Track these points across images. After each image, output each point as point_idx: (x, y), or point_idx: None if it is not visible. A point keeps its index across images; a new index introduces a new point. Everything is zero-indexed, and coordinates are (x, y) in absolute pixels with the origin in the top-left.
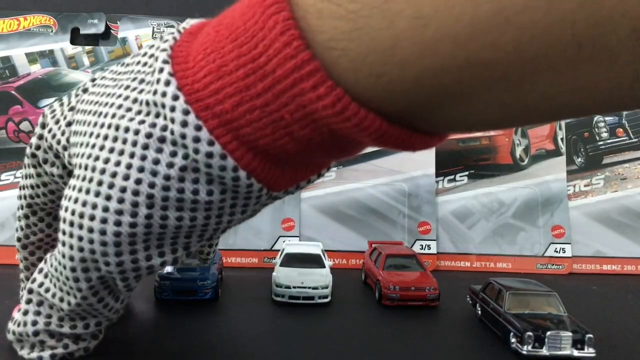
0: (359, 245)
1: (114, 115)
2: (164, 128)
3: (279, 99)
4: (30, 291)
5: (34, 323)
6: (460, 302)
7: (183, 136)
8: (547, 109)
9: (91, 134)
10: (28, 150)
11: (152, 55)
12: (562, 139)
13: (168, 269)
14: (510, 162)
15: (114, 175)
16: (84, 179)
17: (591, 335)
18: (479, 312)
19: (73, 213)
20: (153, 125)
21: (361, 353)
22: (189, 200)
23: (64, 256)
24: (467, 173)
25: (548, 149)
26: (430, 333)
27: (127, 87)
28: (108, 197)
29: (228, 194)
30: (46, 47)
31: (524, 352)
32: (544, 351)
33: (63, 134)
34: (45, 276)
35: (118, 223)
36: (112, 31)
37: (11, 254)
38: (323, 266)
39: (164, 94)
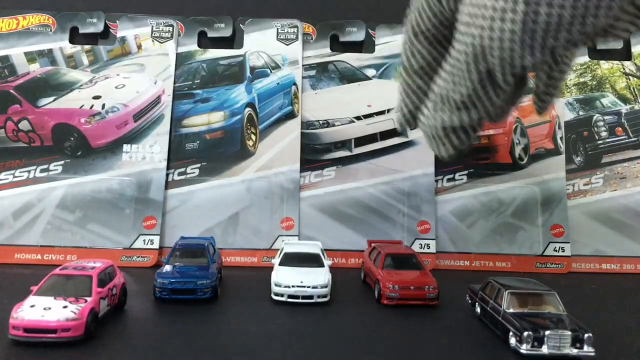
0: (358, 244)
1: None
2: None
3: None
4: (438, 94)
5: (435, 118)
6: (459, 301)
7: None
8: None
9: None
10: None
11: None
12: (561, 138)
13: (167, 268)
14: (509, 161)
15: None
16: None
17: (590, 334)
18: (478, 311)
19: (470, 15)
20: None
21: (361, 352)
22: None
23: (459, 51)
24: (466, 172)
25: (547, 148)
26: (430, 332)
27: None
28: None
29: None
30: (45, 46)
31: (523, 351)
32: (544, 350)
33: None
34: (443, 79)
35: (502, 19)
36: (111, 30)
37: (11, 254)
38: (322, 265)
39: None
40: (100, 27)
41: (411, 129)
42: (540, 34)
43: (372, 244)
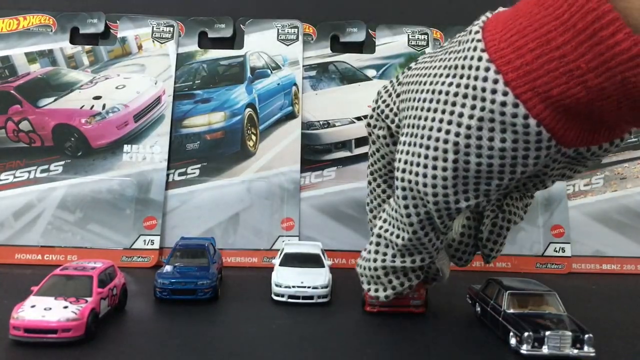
0: (358, 245)
1: (431, 83)
2: (466, 86)
3: (577, 50)
4: (378, 235)
5: (375, 260)
6: (459, 302)
7: (483, 89)
8: None
9: (415, 99)
10: (367, 121)
11: (466, 32)
12: None
13: (167, 268)
14: None
15: (430, 129)
16: (411, 135)
17: (591, 335)
18: (479, 311)
19: (405, 162)
20: (458, 84)
21: (361, 352)
22: (485, 146)
23: (398, 197)
24: None
25: None
26: (430, 332)
27: (442, 59)
28: (427, 147)
29: (519, 143)
30: (45, 47)
31: (524, 352)
32: (544, 351)
33: (394, 103)
34: (384, 221)
35: (434, 167)
36: (111, 30)
37: (11, 254)
38: (322, 266)
39: (472, 57)
40: (100, 28)
41: None
42: (472, 180)
43: None
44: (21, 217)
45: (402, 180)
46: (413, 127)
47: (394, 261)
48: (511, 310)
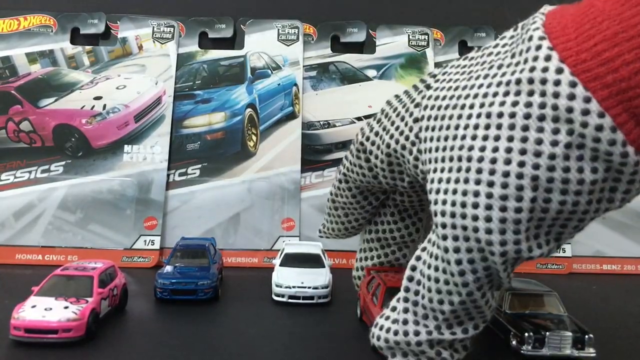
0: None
1: (482, 104)
2: (542, 105)
3: None
4: (405, 300)
5: (417, 333)
6: None
7: (569, 110)
8: None
9: (456, 126)
10: (357, 137)
11: (515, 37)
12: None
13: (168, 268)
14: None
15: (493, 161)
16: (458, 170)
17: (591, 335)
18: None
19: (453, 204)
20: (529, 104)
21: (361, 352)
22: (574, 180)
23: (446, 251)
24: None
25: None
26: None
27: (487, 75)
28: (490, 184)
29: (611, 173)
30: (46, 47)
31: (524, 352)
32: (544, 351)
33: (411, 130)
34: (418, 283)
35: (503, 209)
36: (112, 31)
37: (12, 255)
38: (323, 266)
39: (544, 69)
40: (101, 28)
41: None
42: (548, 222)
43: (371, 273)
44: (22, 217)
45: (454, 227)
46: (459, 160)
47: (441, 334)
48: (512, 311)
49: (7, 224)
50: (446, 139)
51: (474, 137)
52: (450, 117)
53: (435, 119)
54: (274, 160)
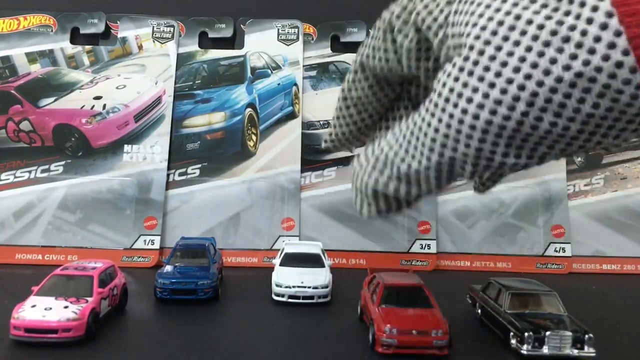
0: (359, 245)
1: (515, 4)
2: (572, 27)
3: None
4: (381, 149)
5: (376, 181)
6: (460, 302)
7: (597, 39)
8: None
9: (481, 15)
10: (386, 16)
11: None
12: None
13: (168, 268)
14: None
15: (503, 64)
16: (467, 59)
17: (591, 335)
18: (479, 311)
19: (451, 90)
20: (560, 22)
21: (361, 352)
22: (570, 107)
23: (429, 125)
24: None
25: None
26: None
27: None
28: (491, 85)
29: (613, 113)
30: (46, 47)
31: (524, 352)
32: (544, 351)
33: (442, 11)
34: (395, 138)
35: (493, 112)
36: (112, 31)
37: (12, 254)
38: (323, 265)
39: None
40: (101, 28)
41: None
42: (534, 139)
43: (373, 273)
44: (22, 217)
45: (443, 110)
46: (478, 52)
47: (387, 185)
48: (512, 311)
49: (7, 224)
50: (467, 24)
51: (494, 33)
52: (479, 4)
53: (465, 2)
54: (274, 160)
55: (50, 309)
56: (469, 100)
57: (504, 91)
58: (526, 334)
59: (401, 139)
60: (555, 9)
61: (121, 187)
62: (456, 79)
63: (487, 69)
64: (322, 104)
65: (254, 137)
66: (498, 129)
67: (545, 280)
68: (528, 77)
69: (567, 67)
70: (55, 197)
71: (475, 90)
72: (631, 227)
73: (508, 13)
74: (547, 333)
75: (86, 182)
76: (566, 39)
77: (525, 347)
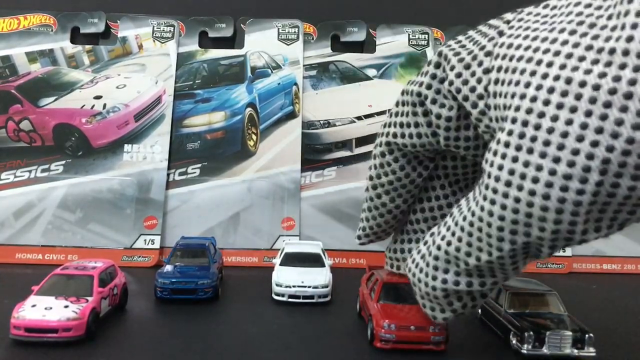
0: (359, 245)
1: (562, 66)
2: (633, 82)
3: None
4: (438, 248)
5: (434, 278)
6: None
7: None
8: None
9: (528, 85)
10: (413, 88)
11: None
12: None
13: (168, 268)
14: None
15: (564, 135)
16: (523, 136)
17: (591, 335)
18: (479, 311)
19: (511, 172)
20: (617, 78)
21: (361, 352)
22: None
23: (490, 214)
24: None
25: None
26: None
27: (573, 32)
28: (556, 160)
29: None
30: (46, 46)
31: (524, 352)
32: (544, 350)
33: (479, 81)
34: (448, 229)
35: (565, 189)
36: (112, 30)
37: (12, 254)
38: (323, 265)
39: None
40: (101, 27)
41: (360, 244)
42: (613, 207)
43: (371, 270)
44: (22, 216)
45: (506, 196)
46: (525, 125)
47: (457, 283)
48: (512, 310)
49: (7, 224)
50: (514, 96)
51: (546, 103)
52: (523, 72)
53: (506, 71)
54: (274, 160)
55: (51, 308)
56: (535, 181)
57: (571, 164)
58: (526, 333)
59: (459, 231)
60: (609, 64)
61: (121, 186)
62: (515, 160)
63: (547, 143)
64: (322, 104)
65: (254, 137)
66: (573, 206)
67: (546, 279)
68: (595, 144)
69: (636, 127)
70: (56, 197)
71: (539, 168)
72: (631, 227)
73: (557, 78)
74: (548, 333)
75: (86, 182)
76: (628, 96)
77: (525, 346)
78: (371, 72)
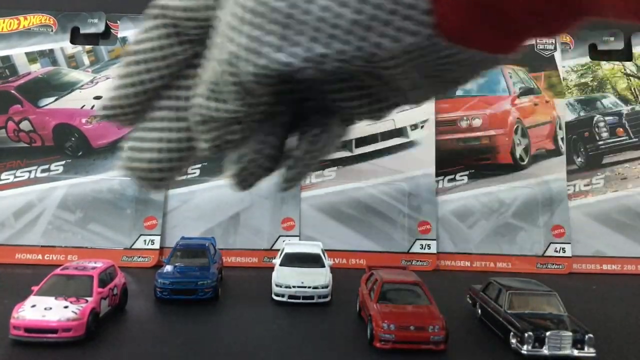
0: (359, 245)
1: None
2: None
3: None
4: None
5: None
6: (460, 302)
7: None
8: None
9: None
10: None
11: None
12: (562, 139)
13: (168, 268)
14: (510, 161)
15: None
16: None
17: (591, 335)
18: (479, 311)
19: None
20: None
21: (361, 352)
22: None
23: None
24: (467, 172)
25: (548, 148)
26: None
27: None
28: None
29: (396, 15)
30: (46, 47)
31: (524, 352)
32: (544, 351)
33: None
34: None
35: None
36: (112, 30)
37: (12, 254)
38: (323, 265)
39: None
40: (101, 28)
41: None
42: (310, 29)
43: (371, 270)
44: (22, 217)
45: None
46: None
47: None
48: (512, 311)
49: (7, 224)
50: None
51: None
52: None
53: None
54: None
55: (50, 308)
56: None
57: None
58: (526, 334)
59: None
60: None
61: (121, 186)
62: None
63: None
64: None
65: None
66: (259, 17)
67: (546, 280)
68: None
69: None
70: (55, 197)
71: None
72: (631, 227)
73: None
74: (547, 333)
75: (86, 182)
76: None
77: (525, 347)
78: None
